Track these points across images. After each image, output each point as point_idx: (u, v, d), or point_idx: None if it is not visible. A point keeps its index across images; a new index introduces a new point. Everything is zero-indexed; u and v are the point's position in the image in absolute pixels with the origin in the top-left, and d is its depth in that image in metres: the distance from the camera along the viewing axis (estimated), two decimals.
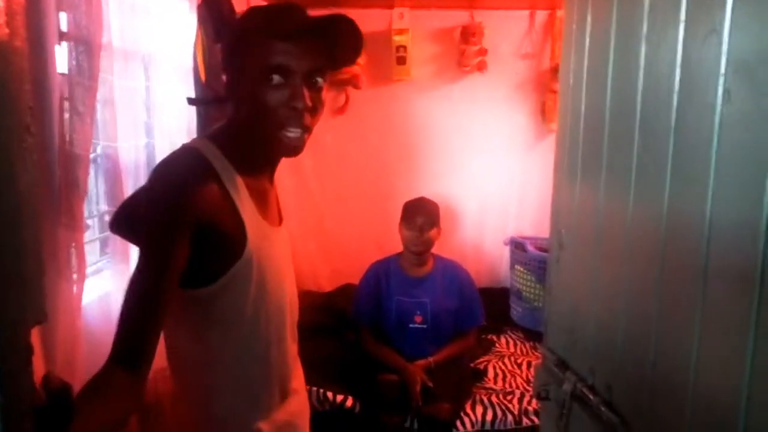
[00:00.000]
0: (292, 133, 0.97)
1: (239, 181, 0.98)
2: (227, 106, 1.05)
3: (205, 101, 1.01)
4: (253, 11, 1.00)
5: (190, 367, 1.06)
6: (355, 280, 2.69)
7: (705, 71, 0.79)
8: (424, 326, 2.41)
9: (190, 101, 1.05)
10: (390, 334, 2.47)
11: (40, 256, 0.47)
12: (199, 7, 1.96)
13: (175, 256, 0.87)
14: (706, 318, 0.78)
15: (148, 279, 0.86)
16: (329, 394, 2.23)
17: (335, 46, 0.99)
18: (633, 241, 0.97)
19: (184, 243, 0.88)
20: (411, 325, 2.42)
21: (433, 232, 2.44)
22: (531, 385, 2.43)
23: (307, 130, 0.98)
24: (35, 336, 1.36)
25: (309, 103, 0.94)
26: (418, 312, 2.42)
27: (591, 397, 1.04)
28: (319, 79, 0.98)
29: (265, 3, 2.41)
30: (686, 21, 0.84)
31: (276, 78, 0.93)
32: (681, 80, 0.85)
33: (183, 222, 0.88)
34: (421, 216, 2.42)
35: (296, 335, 1.19)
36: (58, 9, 1.37)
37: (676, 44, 0.85)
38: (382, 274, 2.52)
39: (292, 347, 1.17)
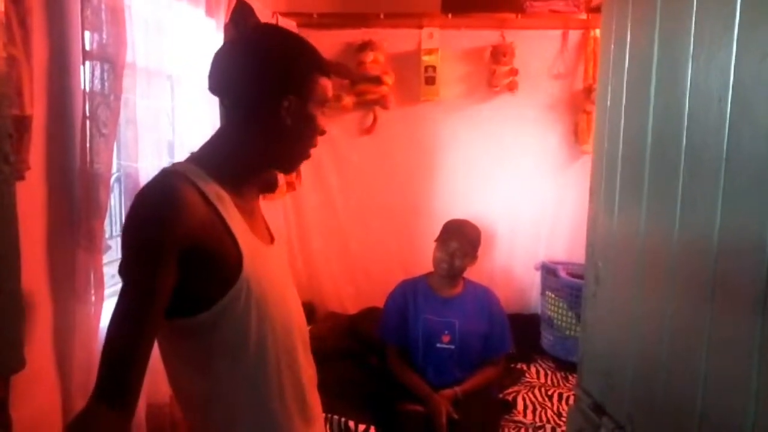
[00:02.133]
0: (308, 156, 1.05)
1: (227, 199, 0.94)
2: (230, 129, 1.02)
3: None
4: (298, 46, 1.00)
5: (202, 403, 1.00)
6: (380, 303, 2.62)
7: (762, 95, 0.72)
8: (452, 347, 2.29)
9: None
10: (416, 355, 2.35)
11: (19, 301, 0.43)
12: (227, 26, 1.95)
13: (159, 285, 0.82)
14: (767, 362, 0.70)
15: (131, 311, 0.81)
16: (351, 424, 2.15)
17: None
18: (678, 275, 0.89)
19: (169, 270, 0.83)
20: (438, 345, 2.30)
21: (465, 261, 2.35)
22: (562, 419, 2.32)
23: None
24: (51, 361, 1.35)
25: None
26: (446, 331, 2.30)
27: None
28: None
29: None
30: (739, 42, 0.77)
31: (316, 121, 1.01)
32: (733, 104, 0.78)
33: (165, 247, 0.83)
34: (457, 241, 2.33)
35: (311, 358, 1.13)
36: (83, 28, 1.36)
37: (728, 66, 0.78)
38: (410, 292, 2.42)
39: (308, 370, 1.10)
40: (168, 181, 0.90)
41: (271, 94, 0.96)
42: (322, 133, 1.03)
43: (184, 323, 0.91)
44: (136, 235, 0.85)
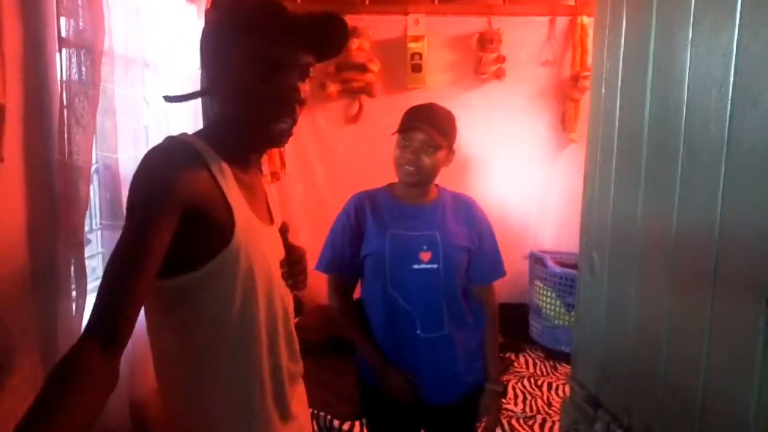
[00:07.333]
0: (284, 123, 0.97)
1: (228, 171, 0.96)
2: (213, 103, 1.02)
3: (184, 98, 1.00)
4: (238, 3, 0.97)
5: (177, 370, 0.99)
6: None
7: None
8: (435, 266, 1.61)
9: (167, 99, 1.02)
10: (382, 283, 1.64)
11: None
12: (207, 11, 1.89)
13: (160, 235, 0.83)
14: None
15: (131, 252, 0.82)
16: (336, 423, 2.14)
17: (324, 43, 0.99)
18: (677, 264, 0.87)
19: (170, 224, 0.85)
20: (415, 266, 1.61)
21: (436, 158, 1.65)
22: (552, 409, 2.32)
23: (295, 121, 1.00)
24: (34, 357, 1.31)
25: (303, 96, 0.97)
26: (425, 247, 1.62)
27: None
28: (310, 72, 1.00)
29: None
30: (741, 23, 0.74)
31: (268, 70, 0.94)
32: (735, 87, 0.75)
33: (169, 202, 0.85)
34: (423, 131, 1.61)
35: (296, 352, 1.12)
36: (58, 14, 1.30)
37: (731, 48, 0.75)
38: (367, 204, 1.72)
39: (290, 366, 1.08)
40: (175, 145, 0.93)
41: (219, 57, 0.95)
42: (293, 90, 0.95)
43: (171, 284, 0.91)
44: (141, 189, 0.86)
